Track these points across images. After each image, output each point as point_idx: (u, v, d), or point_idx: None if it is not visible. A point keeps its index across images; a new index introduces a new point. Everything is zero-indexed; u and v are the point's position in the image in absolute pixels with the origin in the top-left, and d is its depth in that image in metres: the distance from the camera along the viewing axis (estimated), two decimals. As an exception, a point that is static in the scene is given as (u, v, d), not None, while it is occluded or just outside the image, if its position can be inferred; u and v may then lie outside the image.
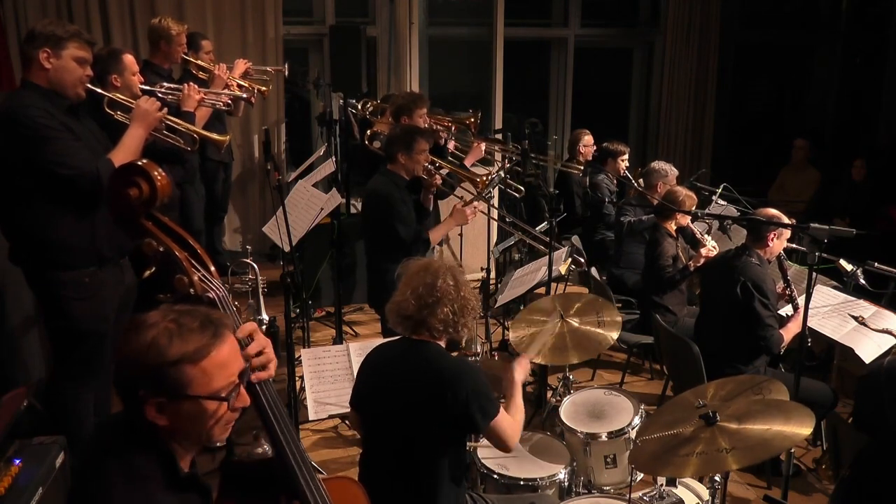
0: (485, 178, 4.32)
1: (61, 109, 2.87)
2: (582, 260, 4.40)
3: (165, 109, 3.20)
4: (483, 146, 4.84)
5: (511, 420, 2.43)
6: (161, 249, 1.62)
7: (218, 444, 1.64)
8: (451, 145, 4.84)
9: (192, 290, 1.61)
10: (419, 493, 2.35)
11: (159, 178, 1.63)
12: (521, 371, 2.70)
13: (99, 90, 3.14)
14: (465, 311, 2.35)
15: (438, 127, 4.76)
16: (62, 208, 2.86)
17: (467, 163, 4.64)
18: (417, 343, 2.36)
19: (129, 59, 3.59)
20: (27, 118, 2.75)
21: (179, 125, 3.40)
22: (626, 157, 5.73)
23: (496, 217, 5.01)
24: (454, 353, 3.98)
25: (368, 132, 4.80)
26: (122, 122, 3.18)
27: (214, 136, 3.60)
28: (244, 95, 4.40)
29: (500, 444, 2.40)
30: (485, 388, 2.32)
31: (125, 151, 2.95)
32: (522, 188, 5.10)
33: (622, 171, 5.66)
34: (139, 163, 1.65)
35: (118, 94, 3.30)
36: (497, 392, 3.36)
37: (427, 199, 4.02)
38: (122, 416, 1.52)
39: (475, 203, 4.08)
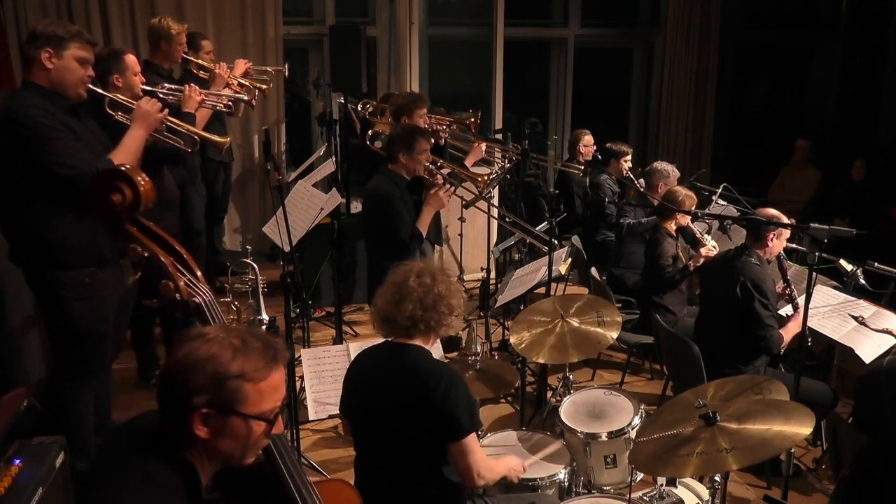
0: (486, 178, 4.32)
1: (62, 109, 2.87)
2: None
3: (166, 110, 3.20)
4: (483, 146, 4.83)
5: (484, 456, 2.35)
6: (146, 255, 1.62)
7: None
8: (477, 158, 4.79)
9: (177, 296, 1.61)
10: (414, 497, 2.34)
11: (143, 183, 1.62)
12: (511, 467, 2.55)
13: (100, 90, 3.13)
14: (437, 306, 2.30)
15: (439, 126, 4.76)
16: (62, 208, 2.86)
17: (468, 163, 4.64)
18: (398, 346, 2.34)
19: (130, 59, 3.60)
20: (27, 118, 2.75)
21: (180, 126, 3.40)
22: (629, 157, 5.73)
23: (496, 216, 5.00)
24: (454, 354, 4.00)
25: (370, 132, 4.80)
26: (123, 122, 3.18)
27: (215, 137, 3.60)
28: (245, 97, 4.39)
29: (465, 467, 2.29)
30: (466, 397, 2.28)
31: (126, 152, 2.96)
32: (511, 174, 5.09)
33: (625, 172, 5.65)
34: (122, 168, 1.64)
35: (119, 95, 3.30)
36: (501, 391, 3.37)
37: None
38: (148, 425, 1.51)
39: (448, 186, 4.04)
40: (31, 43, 2.83)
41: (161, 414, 1.49)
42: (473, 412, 2.30)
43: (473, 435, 2.29)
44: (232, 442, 1.49)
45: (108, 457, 1.56)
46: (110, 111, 3.24)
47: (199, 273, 1.66)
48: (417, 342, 2.35)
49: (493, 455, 2.71)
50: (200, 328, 1.50)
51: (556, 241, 3.94)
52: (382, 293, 2.37)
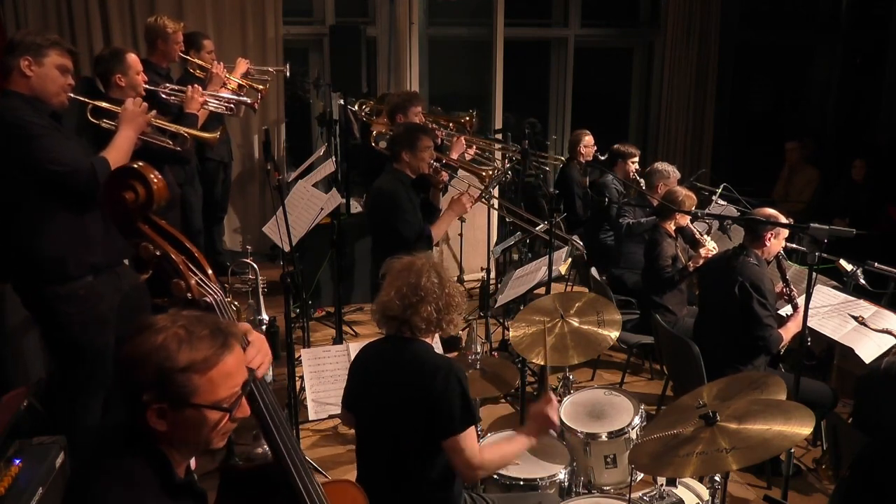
0: (489, 173, 4.30)
1: (45, 115, 2.82)
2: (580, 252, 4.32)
3: (154, 112, 3.16)
4: (463, 139, 4.76)
5: (477, 449, 2.29)
6: (158, 253, 1.60)
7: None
8: (460, 152, 4.76)
9: (189, 295, 1.59)
10: (412, 491, 2.34)
11: (156, 181, 1.60)
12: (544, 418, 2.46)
13: (81, 98, 3.09)
14: (449, 308, 2.35)
15: (435, 126, 4.75)
16: (52, 213, 2.80)
17: (453, 156, 4.59)
18: (404, 340, 2.36)
19: (132, 58, 3.58)
20: (17, 118, 2.72)
21: (168, 126, 3.38)
22: (637, 159, 5.69)
23: (495, 207, 4.96)
24: (454, 353, 4.00)
25: (374, 132, 4.79)
26: (108, 128, 3.12)
27: (204, 134, 3.58)
28: (248, 100, 4.36)
29: (460, 464, 2.26)
30: (461, 391, 2.27)
31: (117, 152, 2.92)
32: (512, 173, 5.08)
33: (632, 174, 5.62)
34: (135, 166, 1.62)
35: (101, 101, 3.24)
36: (501, 391, 3.37)
37: (436, 197, 4.02)
38: (123, 421, 1.50)
39: (470, 191, 4.04)
40: (10, 52, 2.78)
41: (124, 409, 1.48)
42: (468, 407, 2.28)
43: (469, 430, 2.27)
44: (192, 432, 1.47)
45: (87, 455, 1.55)
46: (94, 119, 3.19)
47: (209, 272, 1.65)
48: (428, 340, 2.38)
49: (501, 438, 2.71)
50: (150, 317, 1.47)
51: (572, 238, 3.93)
52: (396, 291, 2.32)
